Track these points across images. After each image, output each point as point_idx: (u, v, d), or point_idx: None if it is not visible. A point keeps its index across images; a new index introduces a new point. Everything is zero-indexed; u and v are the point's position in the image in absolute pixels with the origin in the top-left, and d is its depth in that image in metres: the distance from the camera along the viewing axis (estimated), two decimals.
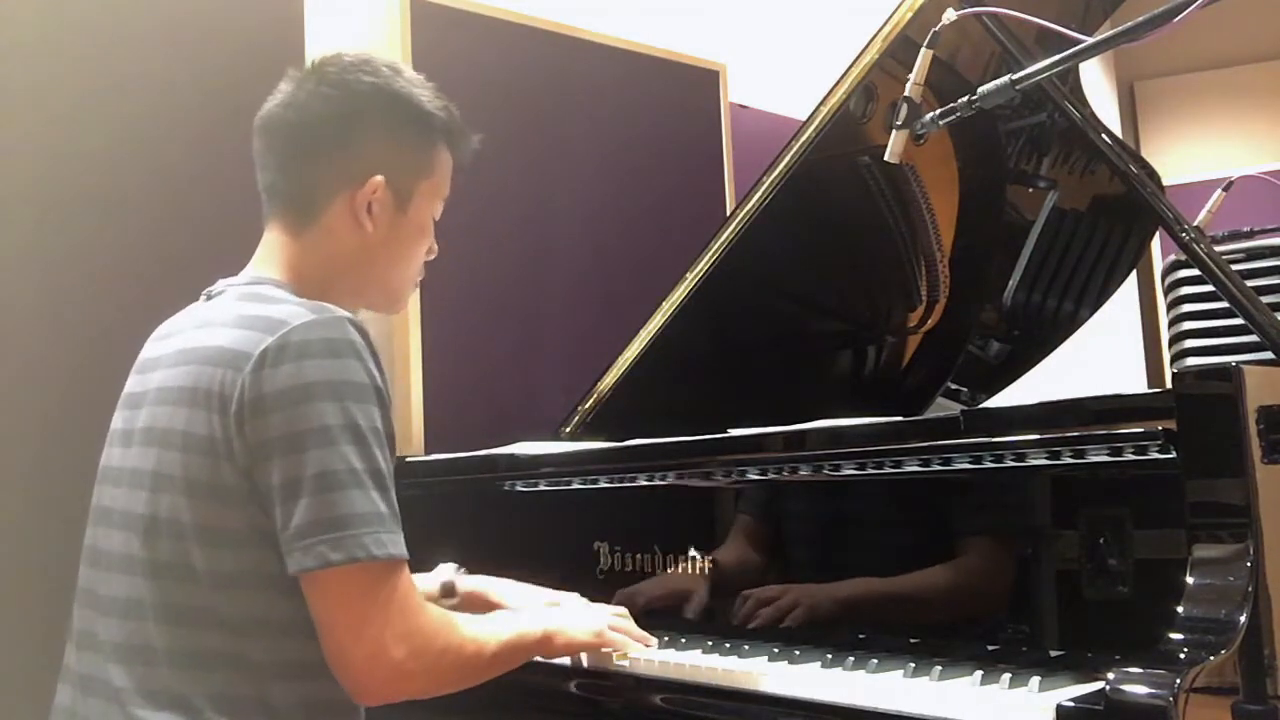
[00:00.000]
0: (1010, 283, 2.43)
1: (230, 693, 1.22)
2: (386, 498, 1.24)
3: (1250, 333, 1.61)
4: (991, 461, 1.35)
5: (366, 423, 1.23)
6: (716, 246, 2.07)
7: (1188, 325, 2.93)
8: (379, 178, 1.40)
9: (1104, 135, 1.86)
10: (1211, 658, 1.06)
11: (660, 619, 1.63)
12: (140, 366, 1.41)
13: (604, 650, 1.50)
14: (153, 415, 1.31)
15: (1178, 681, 1.02)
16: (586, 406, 2.22)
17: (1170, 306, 3.02)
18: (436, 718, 1.76)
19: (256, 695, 1.23)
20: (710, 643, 1.54)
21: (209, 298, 1.41)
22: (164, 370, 1.33)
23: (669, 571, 1.67)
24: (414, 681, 1.27)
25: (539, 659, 1.48)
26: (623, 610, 1.56)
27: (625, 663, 1.48)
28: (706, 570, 1.63)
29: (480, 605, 1.67)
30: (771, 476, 1.61)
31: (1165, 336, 3.15)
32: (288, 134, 1.41)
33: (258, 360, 1.22)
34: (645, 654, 1.50)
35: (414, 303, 2.60)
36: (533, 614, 1.49)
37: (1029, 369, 2.54)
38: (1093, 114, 1.92)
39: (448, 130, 1.47)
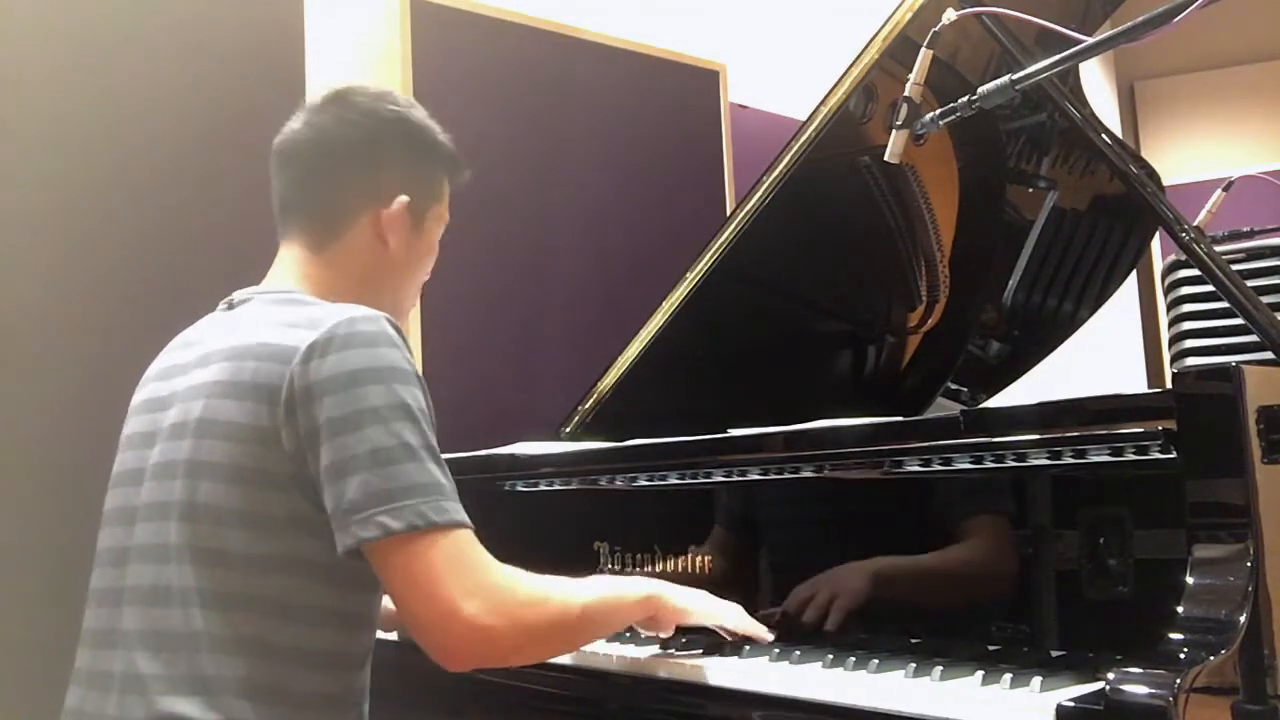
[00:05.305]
0: (1010, 283, 2.43)
1: (254, 678, 1.24)
2: (443, 470, 1.27)
3: (1250, 333, 1.61)
4: (991, 461, 1.35)
5: (414, 403, 1.29)
6: (716, 246, 2.07)
7: (1188, 325, 2.93)
8: (404, 198, 1.48)
9: (1104, 135, 1.85)
10: (1211, 658, 1.06)
11: None
12: (162, 374, 1.44)
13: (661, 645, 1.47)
14: (186, 410, 1.33)
15: (1178, 681, 1.02)
16: (586, 406, 2.22)
17: (1170, 306, 3.03)
18: (437, 718, 1.76)
19: (277, 683, 1.26)
20: (711, 643, 1.53)
21: (231, 306, 1.44)
22: (194, 371, 1.37)
23: (669, 572, 1.67)
24: (500, 638, 1.24)
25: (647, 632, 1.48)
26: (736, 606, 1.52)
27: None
28: (708, 570, 1.63)
29: None
30: (771, 476, 1.61)
31: (1165, 336, 3.15)
32: (313, 154, 1.47)
33: (305, 353, 1.27)
34: (644, 654, 1.50)
35: None
36: (636, 578, 1.49)
37: (1029, 369, 2.54)
38: (1093, 114, 1.92)
39: (453, 161, 1.57)
